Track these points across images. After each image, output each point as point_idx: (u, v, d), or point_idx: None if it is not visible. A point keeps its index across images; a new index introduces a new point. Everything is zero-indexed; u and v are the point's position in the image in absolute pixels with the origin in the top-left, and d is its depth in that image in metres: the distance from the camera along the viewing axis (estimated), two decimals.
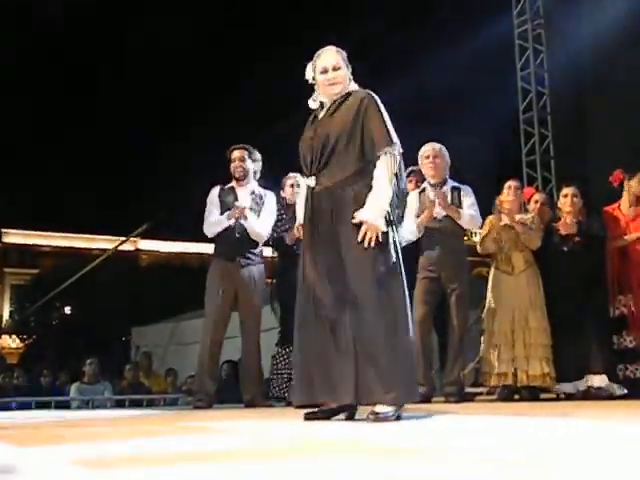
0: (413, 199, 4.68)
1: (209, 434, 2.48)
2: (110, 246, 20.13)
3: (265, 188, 4.89)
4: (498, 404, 4.40)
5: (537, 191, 5.96)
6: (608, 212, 4.90)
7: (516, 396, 4.58)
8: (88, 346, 16.92)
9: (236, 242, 4.63)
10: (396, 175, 2.79)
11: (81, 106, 31.34)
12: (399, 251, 2.83)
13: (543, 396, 4.66)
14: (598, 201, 5.15)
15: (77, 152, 30.33)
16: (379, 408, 2.63)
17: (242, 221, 4.62)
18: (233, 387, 5.85)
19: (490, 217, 4.83)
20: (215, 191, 4.82)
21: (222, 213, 4.69)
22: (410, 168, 4.86)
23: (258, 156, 4.88)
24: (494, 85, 12.59)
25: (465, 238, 4.94)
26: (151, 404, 7.42)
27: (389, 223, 2.79)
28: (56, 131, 31.57)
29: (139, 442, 2.18)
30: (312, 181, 2.88)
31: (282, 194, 5.05)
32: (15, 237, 33.08)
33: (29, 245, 33.08)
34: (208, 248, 5.21)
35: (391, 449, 1.83)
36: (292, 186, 4.97)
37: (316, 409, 2.84)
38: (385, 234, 2.75)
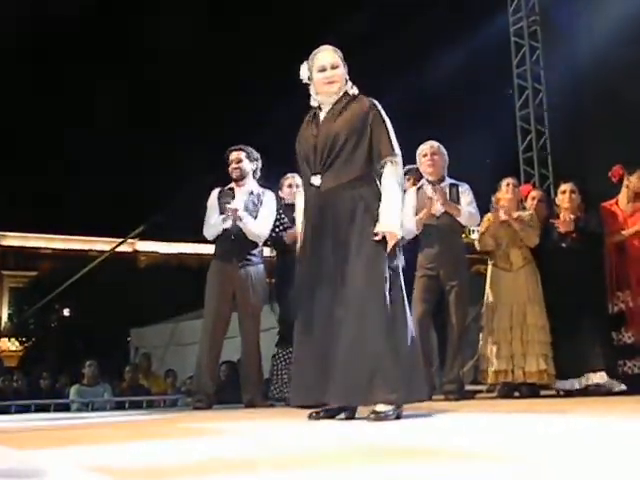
0: (411, 196, 4.69)
1: (210, 436, 2.48)
2: (108, 248, 20.10)
3: (265, 187, 4.89)
4: (498, 401, 4.40)
5: (534, 188, 5.96)
6: (606, 208, 4.90)
7: (516, 393, 4.58)
8: (87, 348, 16.90)
9: (234, 243, 4.63)
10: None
11: (81, 106, 31.35)
12: (399, 251, 2.88)
13: (543, 393, 4.67)
14: (596, 197, 5.15)
15: (76, 153, 30.36)
16: (379, 407, 2.64)
17: (237, 222, 4.62)
18: (232, 387, 5.85)
19: (488, 214, 4.83)
20: (214, 193, 4.82)
21: (221, 214, 4.69)
22: (407, 167, 4.85)
23: (256, 155, 4.88)
24: (490, 83, 12.59)
25: (463, 236, 4.94)
26: (151, 405, 7.41)
27: None
28: (55, 132, 31.58)
29: (143, 445, 2.18)
30: (317, 180, 2.88)
31: (280, 194, 5.05)
32: (13, 240, 33.03)
33: (27, 247, 33.05)
34: (207, 249, 5.21)
35: (391, 449, 1.83)
36: (290, 186, 4.97)
37: (319, 409, 2.84)
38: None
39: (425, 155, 4.76)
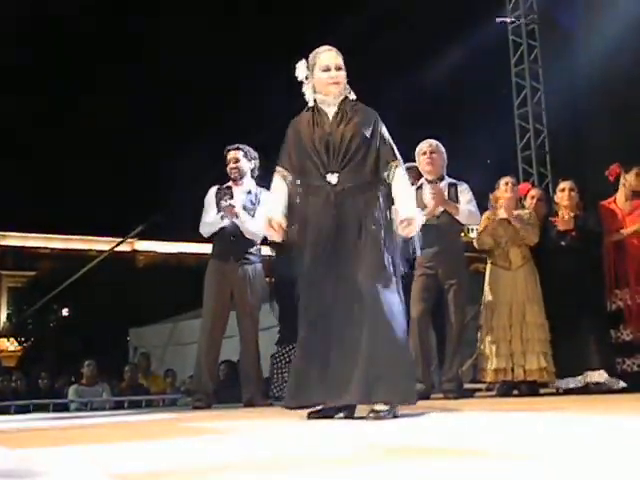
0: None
1: (209, 435, 2.47)
2: (107, 247, 20.08)
3: (262, 186, 4.89)
4: (497, 400, 4.41)
5: (533, 186, 5.96)
6: (604, 206, 4.90)
7: (515, 392, 4.59)
8: (86, 348, 16.88)
9: (232, 242, 4.63)
10: None
11: (80, 107, 31.33)
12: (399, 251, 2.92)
13: (542, 391, 4.67)
14: (594, 196, 5.15)
15: (76, 152, 30.36)
16: (378, 406, 2.65)
17: (235, 220, 4.62)
18: (232, 387, 5.84)
19: (486, 213, 4.83)
20: (212, 191, 4.82)
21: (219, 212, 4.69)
22: (406, 165, 4.84)
23: (254, 154, 4.88)
24: (489, 82, 12.59)
25: (462, 234, 4.94)
26: (150, 405, 7.41)
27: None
28: (55, 132, 31.58)
29: (142, 445, 2.18)
30: (334, 178, 2.89)
31: None
32: (11, 239, 33.00)
33: (25, 247, 33.02)
34: (205, 248, 5.21)
35: (392, 448, 1.83)
36: None
37: (319, 407, 2.85)
38: (390, 235, 2.84)
39: (424, 153, 4.75)
